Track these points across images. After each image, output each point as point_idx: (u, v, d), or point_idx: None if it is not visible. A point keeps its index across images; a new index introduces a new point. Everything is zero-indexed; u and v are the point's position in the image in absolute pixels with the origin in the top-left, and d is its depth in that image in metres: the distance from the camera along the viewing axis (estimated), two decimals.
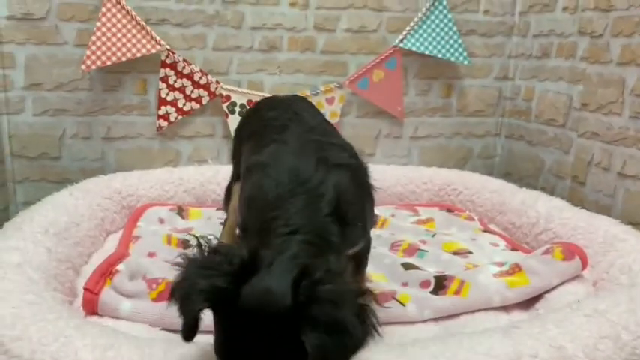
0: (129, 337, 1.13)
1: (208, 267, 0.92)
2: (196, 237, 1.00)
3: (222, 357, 0.93)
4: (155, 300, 1.36)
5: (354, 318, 0.85)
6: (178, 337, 1.19)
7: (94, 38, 2.27)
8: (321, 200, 1.10)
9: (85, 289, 1.34)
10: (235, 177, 1.70)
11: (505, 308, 1.51)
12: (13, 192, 2.43)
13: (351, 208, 1.15)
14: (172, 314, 1.31)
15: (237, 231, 1.38)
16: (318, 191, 1.11)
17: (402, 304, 1.46)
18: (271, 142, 1.29)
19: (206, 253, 0.96)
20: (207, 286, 0.88)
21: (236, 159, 1.70)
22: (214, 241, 0.99)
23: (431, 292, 1.52)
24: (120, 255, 1.50)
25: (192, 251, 0.98)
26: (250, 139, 1.43)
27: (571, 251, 1.59)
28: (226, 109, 2.48)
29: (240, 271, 0.89)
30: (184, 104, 2.46)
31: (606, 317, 1.20)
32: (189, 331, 0.92)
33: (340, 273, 0.94)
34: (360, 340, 0.85)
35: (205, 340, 1.01)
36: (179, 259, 0.97)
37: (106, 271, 1.40)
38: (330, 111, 2.56)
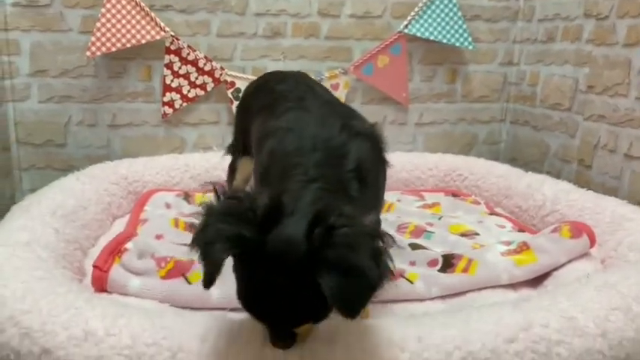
0: (139, 308, 1.13)
1: (232, 214, 0.91)
2: (212, 183, 0.99)
3: (245, 303, 0.94)
4: (164, 278, 1.36)
5: (369, 261, 0.85)
6: (188, 311, 1.20)
7: (98, 25, 2.27)
8: (344, 158, 1.10)
9: (94, 266, 1.35)
10: (239, 153, 1.69)
11: (513, 286, 1.51)
12: (19, 179, 2.43)
13: (370, 175, 1.15)
14: (182, 291, 1.33)
15: (253, 180, 1.37)
16: (340, 150, 1.11)
17: (411, 282, 1.46)
18: (289, 110, 1.28)
19: (225, 200, 0.95)
20: (233, 233, 0.88)
21: (241, 135, 1.68)
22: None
23: (439, 271, 1.52)
24: (128, 234, 1.50)
25: (211, 199, 0.97)
26: (261, 113, 1.41)
27: (579, 229, 1.59)
28: (231, 96, 2.48)
29: (264, 219, 0.89)
30: (189, 91, 2.45)
31: (616, 289, 1.20)
32: (210, 279, 0.89)
33: (355, 217, 0.93)
34: (377, 282, 0.85)
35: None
36: (201, 208, 0.95)
37: (115, 250, 1.40)
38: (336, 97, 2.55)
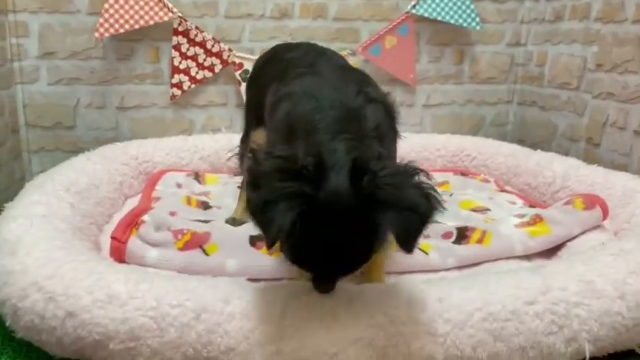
0: (160, 273, 1.14)
1: (287, 172, 0.92)
2: (252, 150, 0.99)
3: (302, 257, 0.97)
4: (181, 249, 1.37)
5: (418, 196, 0.90)
6: (209, 277, 1.21)
7: (106, 6, 2.27)
8: (363, 118, 1.11)
9: (112, 237, 1.35)
10: (253, 125, 1.67)
11: (527, 257, 1.52)
12: (28, 162, 2.43)
13: (386, 139, 1.15)
14: (199, 262, 1.34)
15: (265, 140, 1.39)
16: (358, 112, 1.12)
17: (425, 253, 1.46)
18: (301, 75, 1.28)
19: (274, 159, 0.95)
20: (295, 191, 0.89)
21: (253, 108, 1.67)
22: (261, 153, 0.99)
23: (453, 243, 1.53)
24: (145, 207, 1.51)
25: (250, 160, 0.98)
26: (273, 82, 1.39)
27: (592, 201, 1.59)
28: (239, 77, 2.48)
29: (315, 175, 0.92)
30: (197, 72, 2.45)
31: (633, 255, 1.21)
32: (276, 238, 0.89)
33: (390, 158, 0.96)
34: (430, 214, 0.91)
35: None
36: (246, 170, 0.96)
37: (132, 222, 1.41)
38: None
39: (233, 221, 1.66)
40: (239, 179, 1.92)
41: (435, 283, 1.13)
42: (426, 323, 1.01)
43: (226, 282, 1.10)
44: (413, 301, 1.03)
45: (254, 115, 1.67)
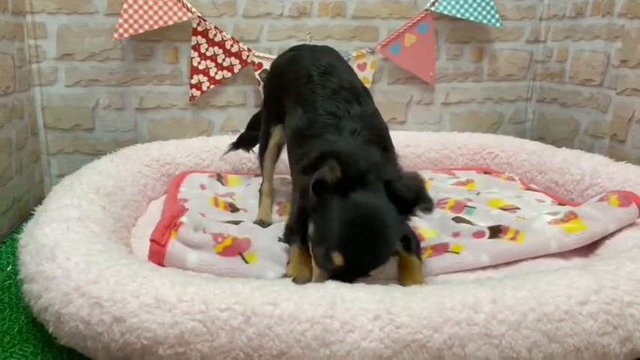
0: (203, 277, 1.12)
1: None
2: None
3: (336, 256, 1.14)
4: (220, 254, 1.35)
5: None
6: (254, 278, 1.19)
7: (125, 6, 2.25)
8: (376, 123, 1.49)
9: (152, 240, 1.33)
10: (273, 122, 1.82)
11: (563, 255, 1.49)
12: (47, 164, 2.42)
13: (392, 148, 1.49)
14: (240, 270, 1.32)
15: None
16: (371, 120, 1.49)
17: (456, 253, 1.44)
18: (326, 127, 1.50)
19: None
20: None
21: (273, 105, 1.83)
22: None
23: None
24: (181, 208, 1.48)
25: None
26: (295, 99, 1.62)
27: (627, 198, 1.57)
28: (258, 77, 2.46)
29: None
30: (216, 73, 2.44)
31: None
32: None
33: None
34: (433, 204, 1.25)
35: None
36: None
37: (170, 224, 1.38)
38: (362, 77, 2.52)
39: (262, 223, 1.70)
40: (260, 180, 1.93)
41: (485, 283, 1.10)
42: (481, 325, 0.99)
43: (272, 284, 1.08)
44: (466, 302, 1.01)
45: (274, 112, 1.79)
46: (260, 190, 1.90)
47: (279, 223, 1.62)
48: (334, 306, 1.02)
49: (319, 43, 2.48)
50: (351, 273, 1.16)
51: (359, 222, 1.17)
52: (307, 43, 2.51)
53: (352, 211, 1.17)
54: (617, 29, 2.23)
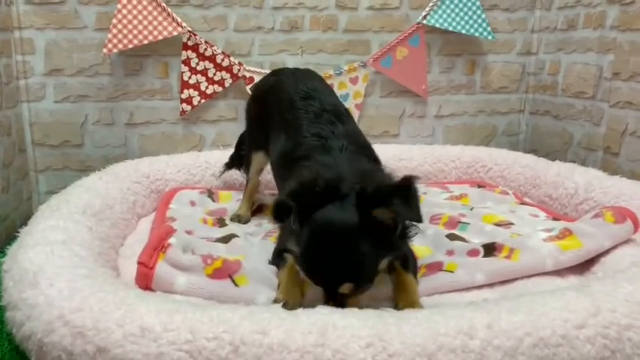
0: (191, 303, 1.09)
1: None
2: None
3: (311, 269, 1.17)
4: (210, 276, 1.32)
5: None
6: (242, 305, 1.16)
7: (114, 21, 2.23)
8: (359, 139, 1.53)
9: (139, 263, 1.30)
10: (254, 147, 1.89)
11: (558, 273, 1.47)
12: (36, 181, 2.38)
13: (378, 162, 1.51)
14: (229, 293, 1.29)
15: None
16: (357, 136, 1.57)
17: (451, 272, 1.42)
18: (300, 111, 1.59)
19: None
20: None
21: (256, 131, 1.89)
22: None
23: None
24: (169, 229, 1.45)
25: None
26: (280, 127, 1.66)
27: (622, 215, 1.55)
28: (249, 91, 2.43)
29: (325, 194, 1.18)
30: (207, 87, 2.41)
31: None
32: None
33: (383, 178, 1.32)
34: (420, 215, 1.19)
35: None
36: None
37: (158, 245, 1.35)
38: (354, 91, 2.52)
39: (239, 218, 1.90)
40: None
41: (480, 306, 1.08)
42: (476, 352, 0.96)
43: (261, 311, 1.05)
44: (461, 328, 0.99)
45: (255, 138, 1.89)
46: (245, 189, 2.01)
47: (268, 242, 1.60)
48: (325, 333, 0.99)
49: (311, 57, 2.49)
50: (328, 288, 1.17)
51: (322, 235, 1.15)
52: (299, 56, 2.50)
53: (316, 226, 1.15)
54: (609, 42, 2.23)
